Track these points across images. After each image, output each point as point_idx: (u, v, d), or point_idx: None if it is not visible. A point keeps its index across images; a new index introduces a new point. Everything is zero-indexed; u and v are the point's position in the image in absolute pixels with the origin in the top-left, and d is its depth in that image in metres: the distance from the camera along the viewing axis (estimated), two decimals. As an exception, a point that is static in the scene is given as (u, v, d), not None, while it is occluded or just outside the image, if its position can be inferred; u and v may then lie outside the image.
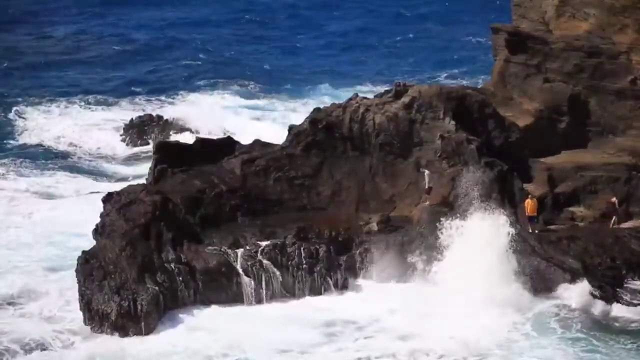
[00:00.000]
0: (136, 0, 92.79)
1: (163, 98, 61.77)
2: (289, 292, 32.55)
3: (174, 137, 49.48)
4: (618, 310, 31.54)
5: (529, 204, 34.51)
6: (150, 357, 29.32)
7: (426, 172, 35.42)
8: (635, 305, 31.56)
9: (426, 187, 35.32)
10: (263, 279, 32.21)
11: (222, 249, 32.91)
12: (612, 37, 38.75)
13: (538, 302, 31.62)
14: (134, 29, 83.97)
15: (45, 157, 50.79)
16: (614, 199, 35.82)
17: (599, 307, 31.56)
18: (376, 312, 31.47)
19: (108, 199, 35.15)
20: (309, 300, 32.54)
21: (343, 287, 32.95)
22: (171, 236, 32.95)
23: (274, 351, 29.38)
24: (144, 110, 58.56)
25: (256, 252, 32.59)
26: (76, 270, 32.40)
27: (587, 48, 38.83)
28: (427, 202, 35.03)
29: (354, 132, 37.20)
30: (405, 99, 37.14)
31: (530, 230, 34.29)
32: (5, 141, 54.03)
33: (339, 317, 31.33)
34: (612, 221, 35.54)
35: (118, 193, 35.21)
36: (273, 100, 61.89)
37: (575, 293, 31.72)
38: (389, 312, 31.41)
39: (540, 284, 31.94)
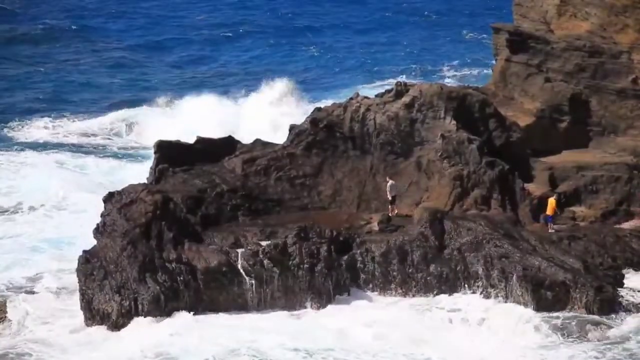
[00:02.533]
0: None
1: (170, 99, 61.50)
2: (291, 292, 32.26)
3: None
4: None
5: (551, 203, 34.36)
6: (148, 356, 29.13)
7: (389, 182, 35.27)
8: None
9: (389, 197, 35.20)
10: (264, 278, 32.00)
11: (223, 249, 32.70)
12: (613, 37, 38.85)
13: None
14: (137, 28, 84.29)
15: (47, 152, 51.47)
16: None
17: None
18: (383, 318, 31.22)
19: (109, 198, 34.96)
20: (310, 302, 32.27)
21: (344, 291, 32.74)
22: (172, 236, 32.80)
23: (280, 351, 29.20)
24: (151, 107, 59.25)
25: (257, 251, 32.34)
26: (77, 270, 32.32)
27: (588, 48, 38.93)
28: (392, 213, 35.09)
29: (355, 132, 37.15)
30: (406, 99, 37.06)
31: (550, 230, 34.19)
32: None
33: (341, 321, 31.10)
34: None
35: (119, 192, 35.04)
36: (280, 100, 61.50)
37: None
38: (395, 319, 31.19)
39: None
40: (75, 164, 49.26)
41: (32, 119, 57.85)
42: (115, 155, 51.85)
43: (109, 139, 55.37)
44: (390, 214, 35.17)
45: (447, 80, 63.57)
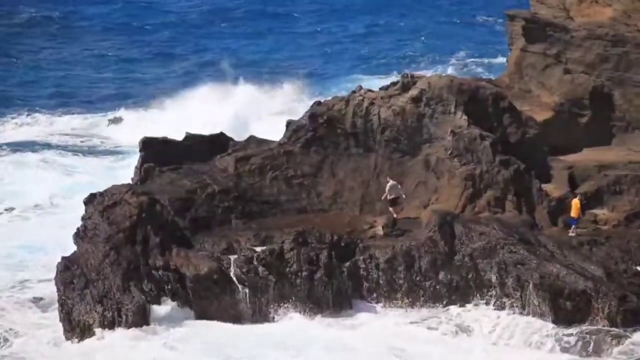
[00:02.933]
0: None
1: (158, 93, 60.56)
2: (287, 302, 31.17)
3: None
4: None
5: (575, 204, 33.52)
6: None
7: (390, 182, 34.33)
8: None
9: (388, 198, 34.18)
10: (259, 287, 31.00)
11: (214, 255, 31.96)
12: (638, 25, 38.14)
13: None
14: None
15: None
16: None
17: None
18: (389, 330, 30.21)
19: (90, 200, 34.30)
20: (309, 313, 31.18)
21: (346, 300, 31.62)
22: (159, 241, 32.05)
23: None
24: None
25: (251, 258, 31.44)
26: (55, 278, 31.54)
27: (610, 36, 38.37)
28: (395, 215, 34.12)
29: (358, 128, 36.66)
30: (414, 92, 36.51)
31: (571, 234, 33.33)
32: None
33: (343, 334, 30.03)
34: None
35: (101, 194, 34.36)
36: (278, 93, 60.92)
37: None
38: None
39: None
40: (58, 163, 48.45)
41: (7, 116, 56.93)
42: (98, 154, 51.25)
43: (93, 136, 54.68)
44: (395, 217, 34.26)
45: (457, 71, 62.75)
